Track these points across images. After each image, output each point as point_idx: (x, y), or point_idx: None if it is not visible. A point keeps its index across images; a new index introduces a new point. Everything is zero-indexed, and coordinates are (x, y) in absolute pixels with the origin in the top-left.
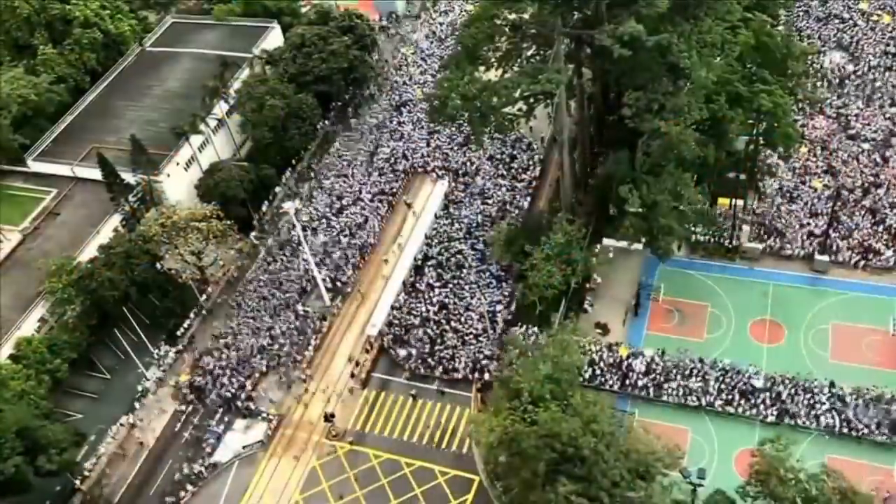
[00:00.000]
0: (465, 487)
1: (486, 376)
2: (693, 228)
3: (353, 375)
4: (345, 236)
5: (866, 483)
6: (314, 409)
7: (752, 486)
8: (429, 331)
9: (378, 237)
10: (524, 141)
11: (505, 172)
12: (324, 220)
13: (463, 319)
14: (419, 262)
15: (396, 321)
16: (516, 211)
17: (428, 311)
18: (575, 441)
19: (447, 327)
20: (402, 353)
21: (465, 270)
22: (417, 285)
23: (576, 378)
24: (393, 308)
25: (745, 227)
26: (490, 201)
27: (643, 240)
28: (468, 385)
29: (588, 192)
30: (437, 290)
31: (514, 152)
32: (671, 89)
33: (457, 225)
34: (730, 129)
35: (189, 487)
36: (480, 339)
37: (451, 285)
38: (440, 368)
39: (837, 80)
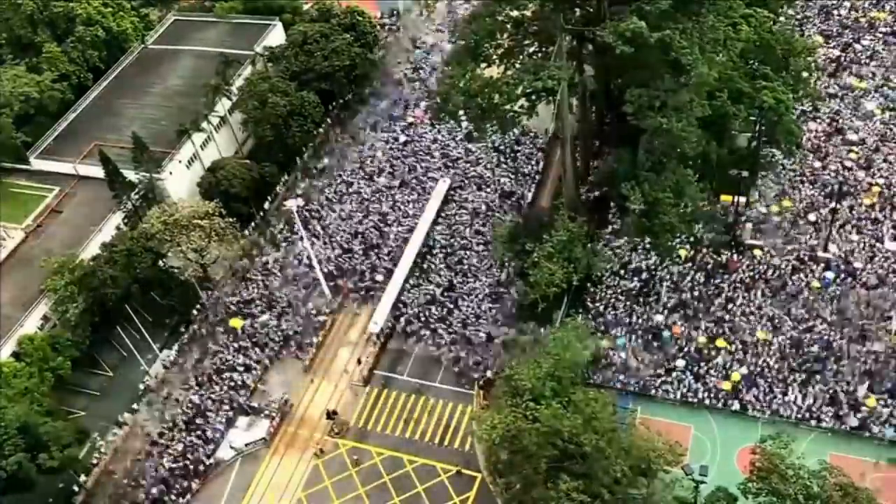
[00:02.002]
0: (468, 485)
1: (489, 374)
2: (695, 226)
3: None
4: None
5: (868, 480)
6: (316, 407)
7: (753, 483)
8: (434, 311)
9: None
10: (529, 135)
11: (510, 162)
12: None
13: (467, 303)
14: (425, 250)
15: (403, 307)
16: (519, 196)
17: (434, 293)
18: (576, 438)
19: (451, 308)
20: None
21: (469, 253)
22: (425, 266)
23: (577, 375)
24: (402, 291)
25: (748, 224)
26: (491, 188)
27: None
28: (471, 382)
29: (590, 190)
30: (442, 275)
31: (518, 139)
32: (673, 86)
33: (460, 210)
34: (732, 126)
35: (192, 485)
36: (481, 321)
37: (455, 269)
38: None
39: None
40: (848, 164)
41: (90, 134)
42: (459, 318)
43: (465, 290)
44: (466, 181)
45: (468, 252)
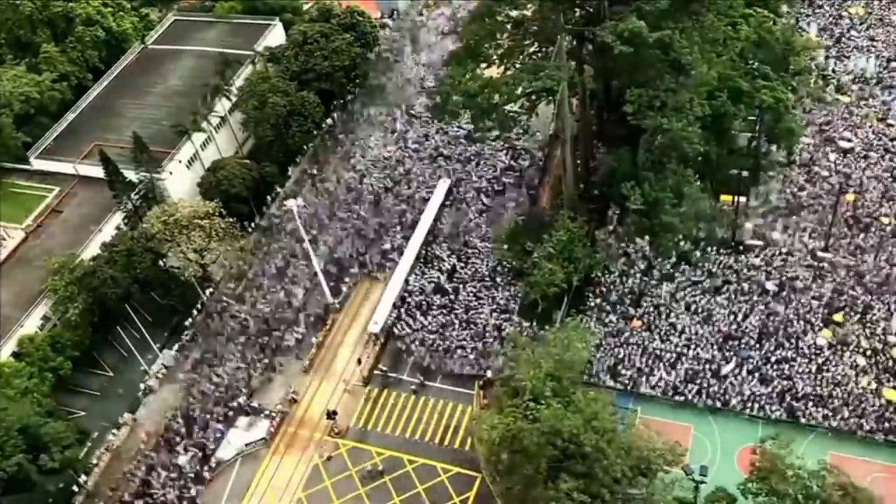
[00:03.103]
0: (468, 485)
1: (489, 373)
2: (695, 225)
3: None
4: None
5: (868, 480)
6: (317, 407)
7: (753, 483)
8: (436, 300)
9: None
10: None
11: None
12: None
13: (469, 289)
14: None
15: (407, 295)
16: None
17: (438, 279)
18: (576, 438)
19: (453, 297)
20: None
21: (471, 236)
22: (429, 255)
23: (578, 375)
24: (406, 281)
25: (748, 224)
26: (489, 163)
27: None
28: (471, 382)
29: (590, 190)
30: (446, 262)
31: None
32: (673, 86)
33: (462, 189)
34: (732, 126)
35: (192, 485)
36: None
37: (458, 254)
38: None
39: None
40: (828, 173)
41: (90, 134)
42: (462, 304)
43: (469, 273)
44: (467, 162)
45: (471, 235)
